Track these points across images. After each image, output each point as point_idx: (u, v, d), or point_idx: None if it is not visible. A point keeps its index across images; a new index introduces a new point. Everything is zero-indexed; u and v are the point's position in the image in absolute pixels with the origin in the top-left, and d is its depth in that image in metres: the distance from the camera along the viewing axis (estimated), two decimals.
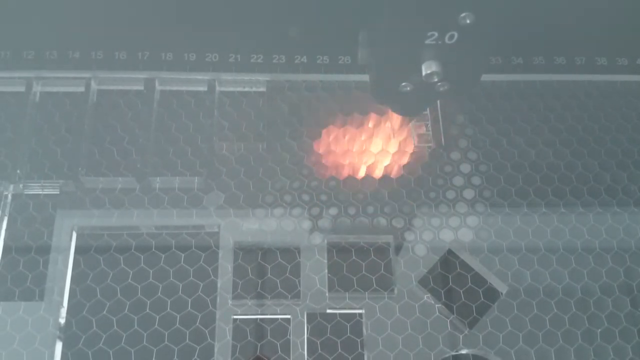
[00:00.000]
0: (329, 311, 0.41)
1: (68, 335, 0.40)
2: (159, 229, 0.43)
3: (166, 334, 0.40)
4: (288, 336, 0.40)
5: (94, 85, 0.46)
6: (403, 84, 0.35)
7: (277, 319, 0.41)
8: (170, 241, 0.43)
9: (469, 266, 0.42)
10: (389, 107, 0.42)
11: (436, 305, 0.42)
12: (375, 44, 0.35)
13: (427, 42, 0.33)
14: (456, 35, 0.32)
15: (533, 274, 0.43)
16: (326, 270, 0.42)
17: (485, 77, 0.48)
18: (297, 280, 0.42)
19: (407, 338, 0.41)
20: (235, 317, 0.41)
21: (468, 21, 0.31)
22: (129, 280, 0.41)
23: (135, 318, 0.40)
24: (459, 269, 0.42)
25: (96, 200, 0.43)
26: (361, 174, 0.45)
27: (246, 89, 0.47)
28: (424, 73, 0.34)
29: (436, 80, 0.34)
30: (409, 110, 0.40)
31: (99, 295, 0.41)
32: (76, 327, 0.40)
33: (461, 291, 0.42)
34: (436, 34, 0.32)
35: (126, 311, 0.41)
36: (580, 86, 0.49)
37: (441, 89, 0.35)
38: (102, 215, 0.43)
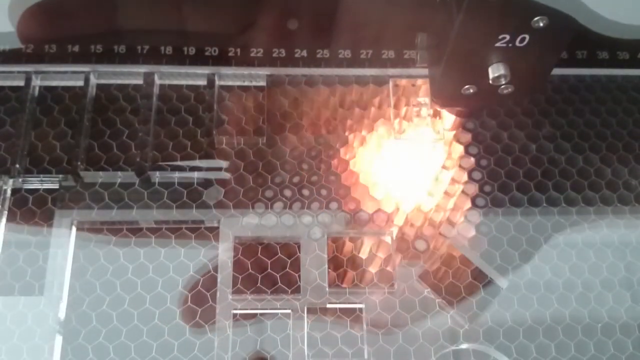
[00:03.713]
0: (329, 306, 0.41)
1: (68, 329, 0.40)
2: (158, 223, 0.43)
3: (166, 328, 0.40)
4: (288, 331, 0.40)
5: (93, 79, 0.46)
6: (467, 86, 0.36)
7: (277, 313, 0.41)
8: (170, 236, 0.42)
9: (470, 261, 0.42)
10: (449, 109, 0.42)
11: (436, 300, 0.41)
12: (442, 47, 0.34)
13: (498, 44, 0.33)
14: (527, 38, 0.32)
15: (534, 268, 0.43)
16: (326, 265, 0.42)
17: None
18: (297, 275, 0.42)
19: (407, 333, 0.41)
20: (235, 311, 0.41)
21: (541, 24, 0.31)
22: (129, 275, 0.41)
23: (135, 313, 0.40)
24: (459, 264, 0.42)
25: (95, 194, 0.43)
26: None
27: (246, 83, 0.47)
28: (491, 76, 0.34)
29: (503, 82, 0.34)
30: (467, 111, 0.40)
31: (98, 290, 0.41)
32: (76, 322, 0.40)
33: (461, 286, 0.42)
34: (508, 37, 0.32)
35: (126, 306, 0.41)
36: (581, 80, 0.49)
37: (505, 91, 0.36)
38: (102, 210, 0.43)
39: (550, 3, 0.45)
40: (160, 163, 0.44)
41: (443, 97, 0.38)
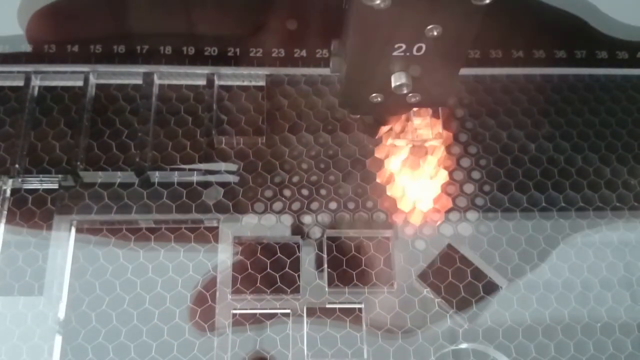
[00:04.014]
0: (328, 306, 0.41)
1: (67, 329, 0.40)
2: (158, 223, 0.43)
3: (165, 328, 0.40)
4: (287, 331, 0.40)
5: (92, 79, 0.46)
6: (373, 94, 0.35)
7: (277, 313, 0.41)
8: (170, 236, 0.42)
9: (469, 261, 0.42)
10: (360, 116, 0.42)
11: (436, 300, 0.42)
12: (345, 54, 0.34)
13: (395, 53, 0.32)
14: (424, 47, 0.32)
15: (533, 268, 0.43)
16: (326, 265, 0.42)
17: (485, 71, 0.48)
18: (296, 275, 0.42)
19: (407, 332, 0.41)
20: (234, 311, 0.41)
21: (435, 33, 0.31)
22: (128, 275, 0.41)
23: (135, 313, 0.40)
24: (458, 264, 0.42)
25: (95, 194, 0.43)
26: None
27: (245, 83, 0.47)
28: (393, 84, 0.34)
29: (406, 91, 0.34)
30: (380, 120, 0.40)
31: (98, 290, 0.41)
32: (75, 322, 0.40)
33: (461, 285, 0.42)
34: (404, 46, 0.32)
35: (125, 306, 0.41)
36: (580, 80, 0.49)
37: (412, 100, 0.35)
38: (101, 210, 0.43)
39: (562, 5, 0.45)
40: (160, 163, 0.44)
41: (351, 105, 0.38)
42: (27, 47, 0.46)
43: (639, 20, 0.48)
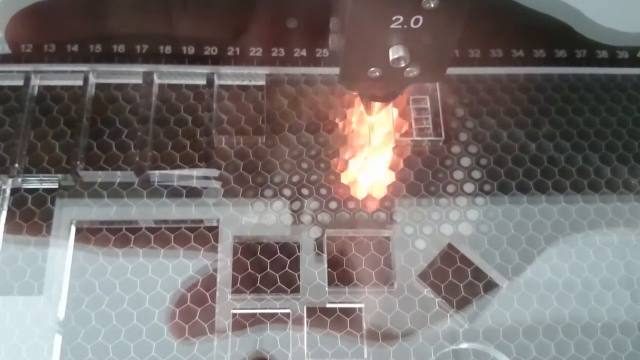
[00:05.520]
0: (328, 305, 0.41)
1: (67, 329, 0.40)
2: (157, 223, 0.43)
3: (165, 328, 0.40)
4: (288, 330, 0.40)
5: (92, 79, 0.46)
6: (372, 69, 0.35)
7: (277, 313, 0.41)
8: (169, 235, 0.42)
9: (469, 260, 0.42)
10: (359, 93, 0.41)
11: (436, 300, 0.41)
12: (343, 29, 0.34)
13: (393, 26, 0.32)
14: (421, 19, 0.32)
15: (533, 267, 0.43)
16: (326, 265, 0.42)
17: (486, 70, 0.48)
18: (296, 275, 0.42)
19: (407, 332, 0.41)
20: (234, 311, 0.41)
21: (432, 5, 0.31)
22: (128, 275, 0.41)
23: (135, 312, 0.40)
24: (459, 263, 0.42)
25: (95, 194, 0.43)
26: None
27: (245, 82, 0.47)
28: (390, 58, 0.33)
29: (403, 65, 0.34)
30: (379, 96, 0.40)
31: (98, 290, 0.41)
32: (75, 322, 0.40)
33: (461, 285, 0.42)
34: (401, 18, 0.32)
35: (125, 305, 0.41)
36: (581, 79, 0.49)
37: (410, 74, 0.35)
38: (101, 209, 0.43)
39: (547, 10, 0.45)
40: (160, 162, 0.44)
41: (350, 80, 0.38)
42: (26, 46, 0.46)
43: (621, 24, 0.48)
